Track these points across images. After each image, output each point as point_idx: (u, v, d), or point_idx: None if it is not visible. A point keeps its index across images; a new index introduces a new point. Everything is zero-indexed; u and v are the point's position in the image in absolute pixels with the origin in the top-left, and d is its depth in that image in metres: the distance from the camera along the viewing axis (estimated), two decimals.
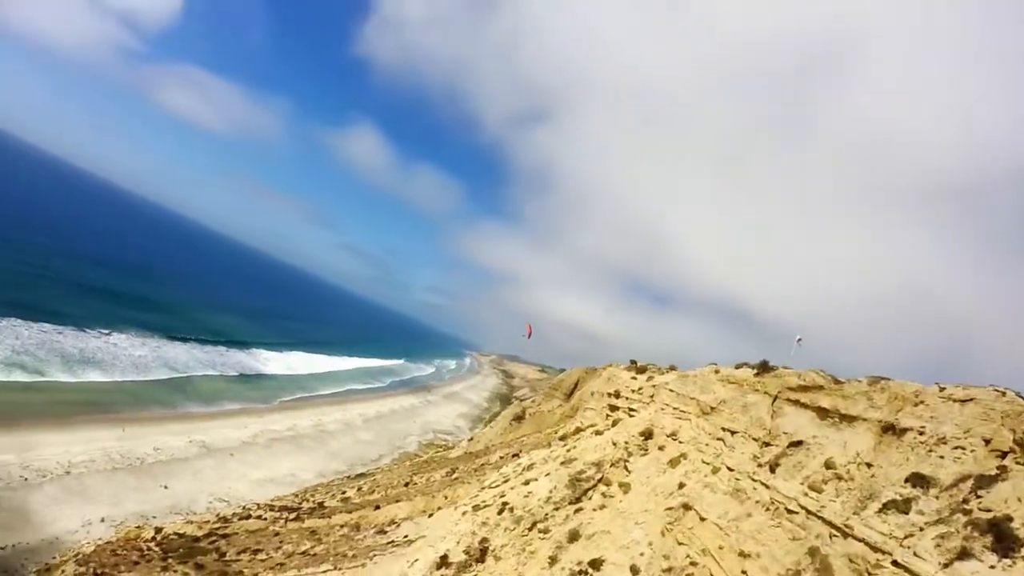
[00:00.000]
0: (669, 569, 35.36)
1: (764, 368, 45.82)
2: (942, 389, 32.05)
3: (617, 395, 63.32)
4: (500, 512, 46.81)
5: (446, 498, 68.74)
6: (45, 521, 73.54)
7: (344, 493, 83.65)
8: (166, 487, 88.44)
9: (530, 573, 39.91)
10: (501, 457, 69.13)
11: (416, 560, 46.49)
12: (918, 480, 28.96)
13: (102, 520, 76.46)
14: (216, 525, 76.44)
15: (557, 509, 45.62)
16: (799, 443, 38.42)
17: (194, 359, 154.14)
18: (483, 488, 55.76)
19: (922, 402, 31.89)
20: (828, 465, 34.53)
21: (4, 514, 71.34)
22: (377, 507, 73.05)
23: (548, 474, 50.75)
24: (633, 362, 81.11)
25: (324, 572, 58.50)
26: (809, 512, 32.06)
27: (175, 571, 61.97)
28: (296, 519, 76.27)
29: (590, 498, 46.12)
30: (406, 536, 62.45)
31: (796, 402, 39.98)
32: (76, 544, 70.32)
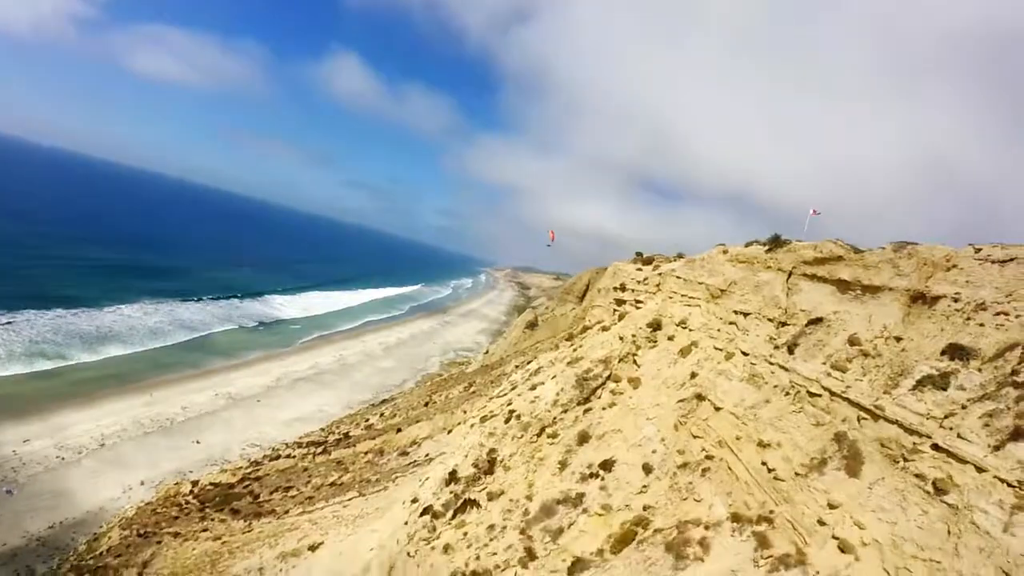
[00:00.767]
0: (684, 465, 32.73)
1: (776, 243, 41.41)
2: (977, 251, 28.28)
3: (623, 288, 59.67)
4: (507, 421, 44.58)
5: (464, 413, 67.39)
6: (87, 494, 74.32)
7: (368, 421, 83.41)
8: (198, 442, 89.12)
9: (540, 480, 37.84)
10: (516, 366, 67.13)
11: (427, 479, 44.97)
12: (956, 352, 25.22)
13: (141, 483, 77.26)
14: (248, 470, 77.03)
15: (565, 412, 43.14)
16: (818, 320, 34.58)
17: (210, 316, 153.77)
18: (491, 398, 53.69)
19: (955, 266, 28.26)
20: (852, 342, 30.65)
21: (48, 496, 72.12)
22: (399, 430, 72.50)
23: (554, 376, 48.06)
24: (639, 254, 76.94)
25: (350, 500, 58.16)
26: (833, 394, 28.66)
27: (213, 519, 62.36)
28: (323, 452, 76.47)
29: (599, 397, 43.46)
30: (427, 455, 61.52)
31: (813, 276, 36.06)
32: (120, 510, 71.17)
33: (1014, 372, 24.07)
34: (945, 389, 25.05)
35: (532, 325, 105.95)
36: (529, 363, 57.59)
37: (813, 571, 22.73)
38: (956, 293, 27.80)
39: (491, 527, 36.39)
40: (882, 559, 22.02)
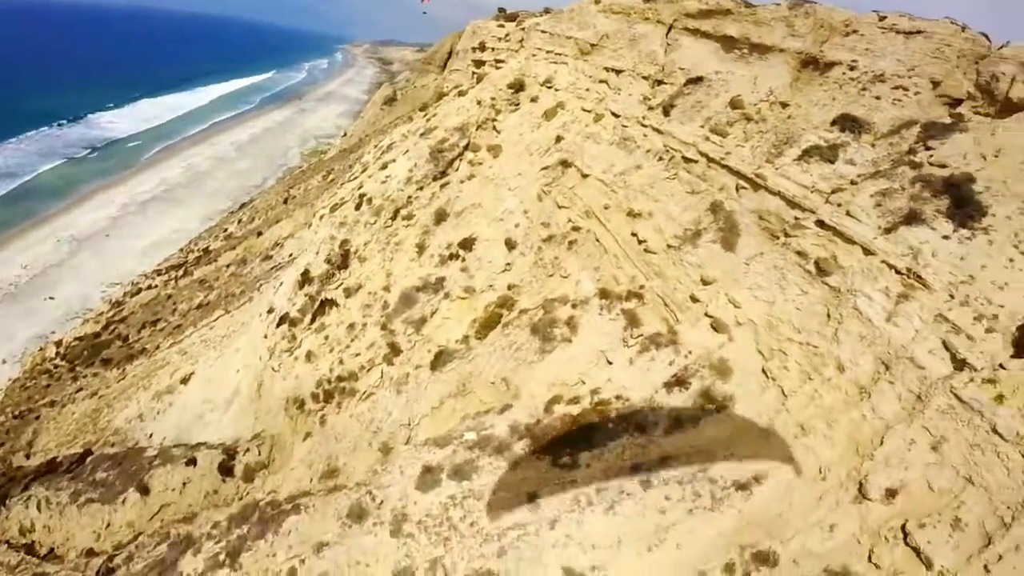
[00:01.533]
0: (549, 238, 28.12)
1: None
2: (882, 18, 24.11)
3: (482, 48, 49.57)
4: (358, 207, 37.86)
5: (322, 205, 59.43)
6: None
7: (226, 231, 73.67)
8: (52, 298, 75.68)
9: (398, 268, 32.78)
10: (376, 147, 57.87)
11: (281, 284, 39.03)
12: (848, 123, 22.08)
13: (3, 362, 66.37)
14: (112, 313, 67.37)
15: (420, 189, 36.71)
16: (699, 80, 28.02)
17: (30, 156, 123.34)
18: (341, 184, 46.06)
19: (855, 31, 24.18)
20: (734, 105, 25.86)
21: None
22: (259, 234, 64.16)
23: (407, 151, 40.48)
24: (501, 10, 64.31)
25: (216, 319, 51.87)
26: (711, 160, 24.56)
27: (85, 376, 54.55)
28: (185, 274, 67.60)
29: (456, 170, 36.97)
30: (291, 255, 54.72)
31: (696, 31, 30.10)
32: None
33: (911, 152, 20.07)
34: (833, 162, 21.39)
35: (391, 101, 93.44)
36: (382, 140, 49.18)
37: (685, 351, 19.95)
38: (853, 61, 23.65)
39: (351, 326, 31.92)
40: (756, 340, 19.19)
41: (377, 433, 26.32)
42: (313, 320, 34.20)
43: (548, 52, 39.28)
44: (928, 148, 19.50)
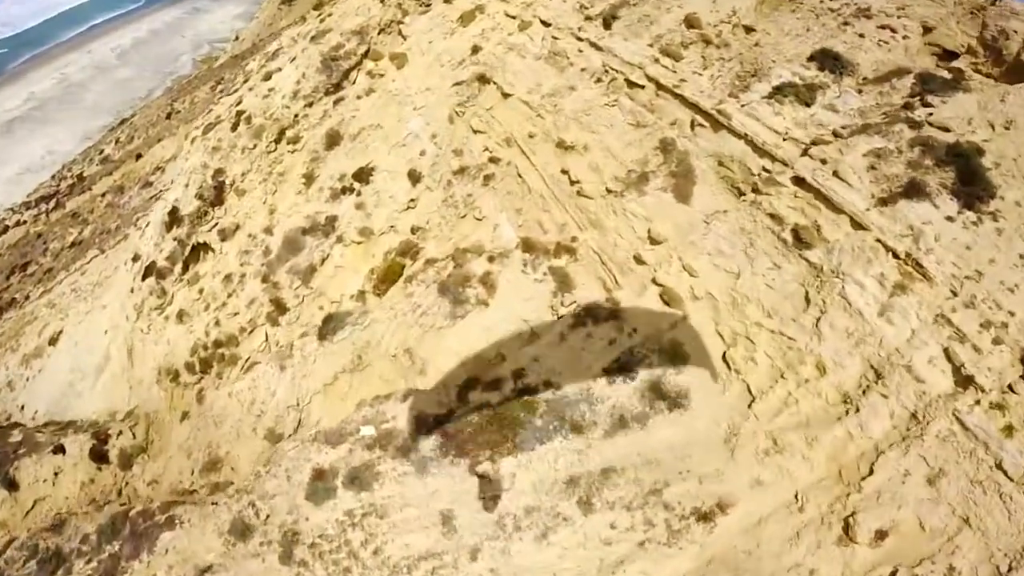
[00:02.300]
0: (461, 170, 21.78)
1: None
2: None
3: None
4: (235, 128, 29.70)
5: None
6: None
7: (102, 152, 61.42)
8: None
9: (283, 204, 25.78)
10: (262, 54, 47.25)
11: (147, 225, 31.08)
12: (827, 60, 17.75)
13: None
14: None
15: (310, 106, 28.83)
16: None
17: None
18: (218, 98, 36.94)
19: None
20: (690, 23, 20.38)
21: None
22: (139, 156, 53.19)
23: (294, 59, 31.91)
24: None
25: (90, 262, 42.66)
26: (661, 87, 19.11)
27: None
28: (57, 207, 56.29)
29: (353, 82, 29.11)
30: (173, 181, 45.41)
31: None
32: None
33: (907, 106, 15.78)
34: (809, 105, 17.08)
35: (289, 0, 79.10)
36: (269, 46, 39.65)
37: (629, 327, 15.17)
38: None
39: (228, 278, 25.20)
40: (716, 319, 14.76)
41: (261, 417, 20.78)
42: (184, 270, 27.06)
43: None
44: (927, 105, 15.43)
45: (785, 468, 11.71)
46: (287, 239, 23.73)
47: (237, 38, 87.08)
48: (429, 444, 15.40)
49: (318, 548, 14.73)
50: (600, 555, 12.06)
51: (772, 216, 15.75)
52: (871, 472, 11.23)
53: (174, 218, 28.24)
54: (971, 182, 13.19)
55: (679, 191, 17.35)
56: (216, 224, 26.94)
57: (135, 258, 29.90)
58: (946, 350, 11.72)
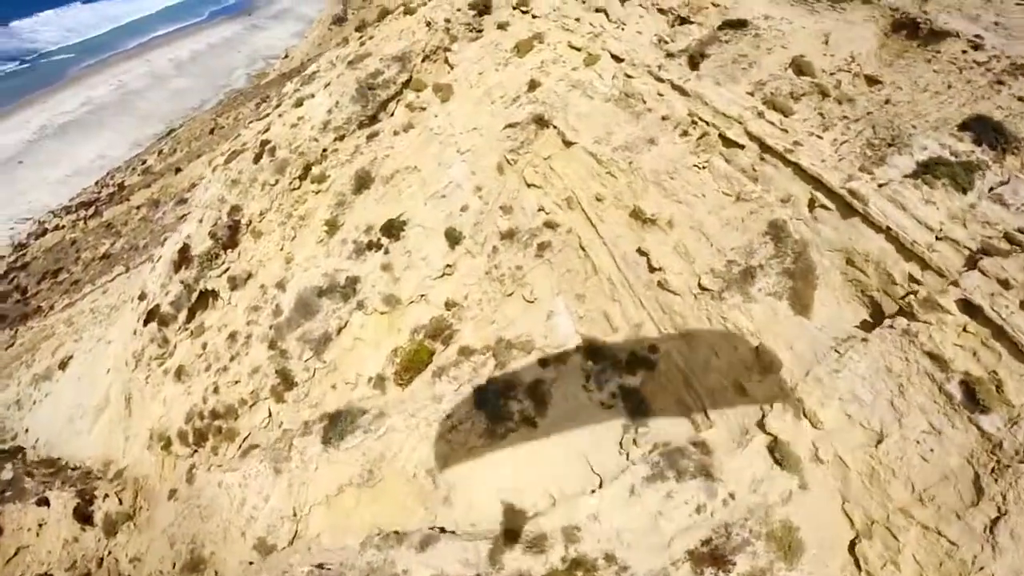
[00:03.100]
0: (510, 235, 17.14)
1: None
2: None
3: None
4: (257, 159, 25.72)
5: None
6: None
7: (145, 163, 58.75)
8: None
9: (301, 253, 21.53)
10: (300, 75, 43.53)
11: (159, 260, 27.21)
12: (983, 131, 12.80)
13: None
14: (13, 258, 53.09)
15: (341, 139, 24.68)
16: (741, 24, 17.33)
17: None
18: (248, 124, 33.20)
19: None
20: (800, 68, 15.56)
21: None
22: (178, 170, 50.26)
23: (328, 84, 27.91)
24: None
25: (114, 278, 39.49)
26: (768, 149, 14.21)
27: None
28: (95, 214, 53.72)
29: (391, 115, 24.96)
30: (190, 213, 41.87)
31: None
32: None
33: None
34: (967, 191, 12.13)
35: (340, 20, 75.98)
36: (308, 68, 35.85)
37: (724, 491, 10.73)
38: (976, 37, 14.54)
39: (233, 336, 21.01)
40: (846, 495, 10.61)
41: (251, 522, 16.36)
42: (189, 318, 23.01)
43: None
44: None
45: None
46: (300, 299, 19.41)
47: (287, 55, 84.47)
48: None
49: None
50: None
51: (932, 356, 10.84)
52: None
53: (184, 257, 24.25)
54: None
55: (797, 298, 12.41)
56: (227, 269, 22.84)
57: (142, 296, 26.01)
58: None
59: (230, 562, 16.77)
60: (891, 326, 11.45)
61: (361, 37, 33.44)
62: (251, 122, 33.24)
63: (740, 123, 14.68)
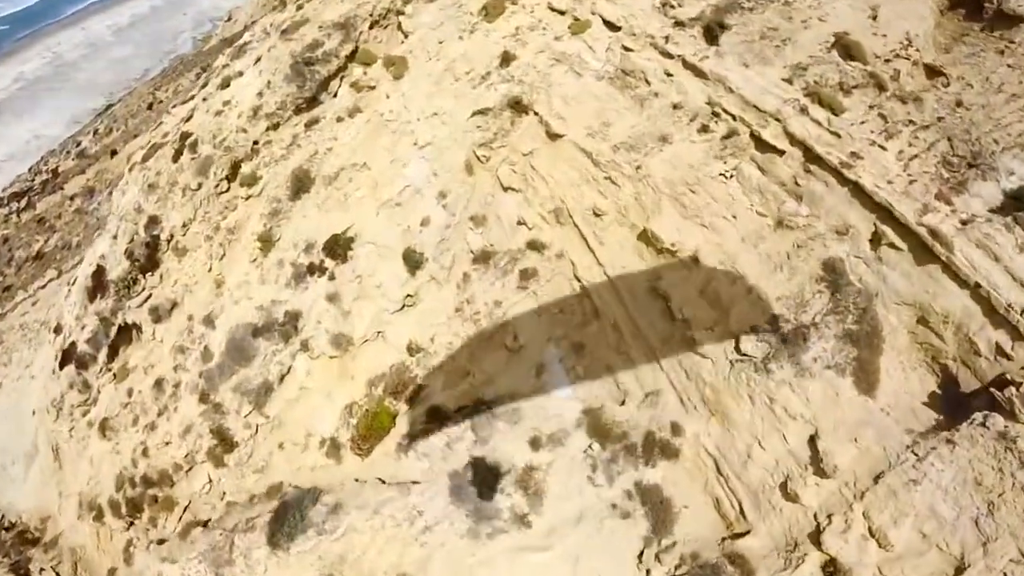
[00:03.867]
0: (484, 258, 13.00)
1: None
2: None
3: None
4: (177, 157, 20.60)
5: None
6: None
7: (79, 145, 51.45)
8: None
9: (232, 276, 17.05)
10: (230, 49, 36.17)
11: (74, 282, 22.32)
12: None
13: None
14: None
15: (274, 129, 19.71)
16: None
17: None
18: (169, 111, 27.46)
19: None
20: (848, 51, 11.42)
21: None
22: (114, 153, 43.73)
23: (259, 59, 22.41)
24: None
25: (47, 283, 34.16)
26: (815, 160, 10.30)
27: None
28: (27, 206, 47.07)
29: (333, 95, 19.94)
30: (105, 228, 36.12)
31: None
32: None
33: None
34: None
35: None
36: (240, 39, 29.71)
37: None
38: None
39: (159, 385, 16.81)
40: None
41: None
42: (111, 357, 18.59)
43: None
44: None
45: None
46: (233, 341, 15.26)
47: (230, 18, 74.56)
48: None
49: None
50: None
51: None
52: None
53: (98, 283, 19.60)
54: None
55: (863, 373, 8.97)
56: (149, 297, 18.40)
57: (57, 328, 21.33)
58: None
59: None
60: (983, 424, 8.22)
61: (298, 1, 27.42)
62: (175, 106, 27.53)
63: (778, 120, 10.69)
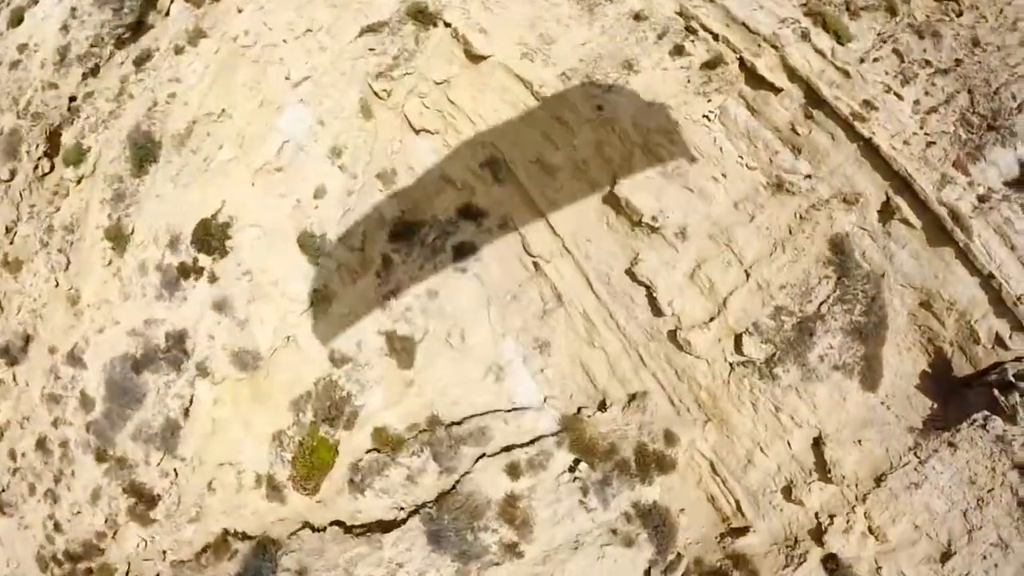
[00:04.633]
0: (404, 230, 9.80)
1: None
2: None
3: None
4: None
5: None
6: None
7: None
8: None
9: (87, 288, 13.04)
10: None
11: None
12: None
13: None
14: None
15: (94, 74, 14.36)
16: None
17: None
18: None
19: None
20: None
21: None
22: None
23: None
24: None
25: None
26: (819, 102, 8.15)
27: None
28: None
29: (164, 15, 14.40)
30: None
31: None
32: None
33: None
34: None
35: None
36: None
37: None
38: None
39: (43, 445, 13.35)
40: None
41: None
42: None
43: None
44: None
45: None
46: (112, 383, 11.94)
47: None
48: None
49: None
50: None
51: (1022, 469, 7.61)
52: None
53: None
54: None
55: (869, 370, 7.48)
56: None
57: None
58: None
59: None
60: (983, 426, 7.64)
61: None
62: None
63: (775, 48, 7.85)
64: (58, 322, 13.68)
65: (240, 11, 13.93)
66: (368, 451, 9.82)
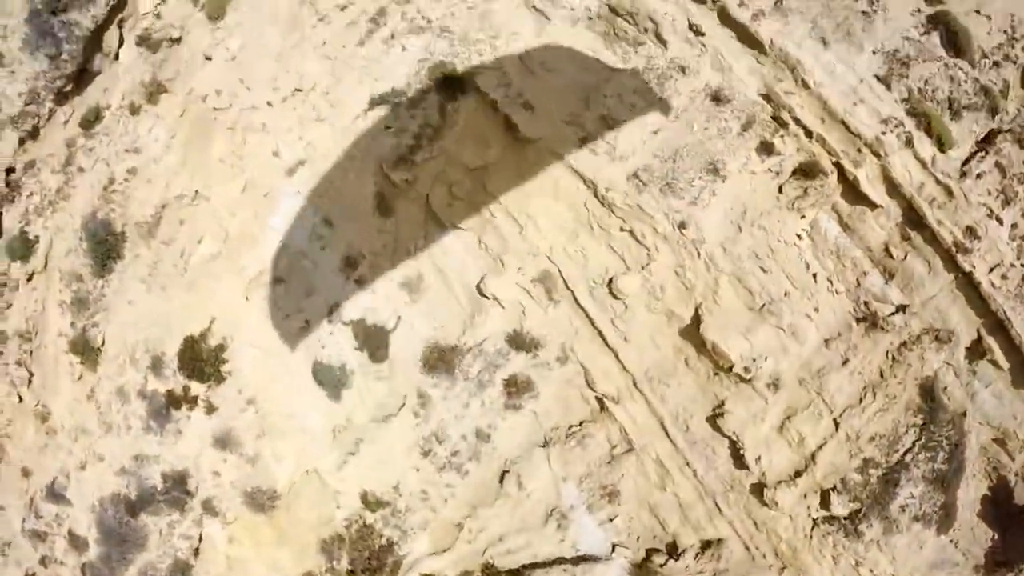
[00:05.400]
0: (441, 359, 8.35)
1: None
2: None
3: None
4: None
5: None
6: None
7: None
8: None
9: (57, 409, 11.08)
10: None
11: None
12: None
13: None
14: None
15: (33, 137, 11.96)
16: None
17: None
18: None
19: None
20: (953, 38, 7.31)
21: None
22: None
23: None
24: None
25: None
26: (917, 222, 7.04)
27: None
28: None
29: (113, 57, 11.91)
30: None
31: None
32: None
33: None
34: None
35: None
36: None
37: None
38: None
39: None
40: None
41: None
42: None
43: None
44: None
45: None
46: (106, 527, 10.28)
47: None
48: None
49: None
50: None
51: None
52: None
53: None
54: None
55: (946, 517, 6.84)
56: None
57: None
58: None
59: None
60: None
61: None
62: None
63: (877, 156, 6.80)
64: (29, 441, 11.80)
65: (208, 58, 11.63)
66: None
